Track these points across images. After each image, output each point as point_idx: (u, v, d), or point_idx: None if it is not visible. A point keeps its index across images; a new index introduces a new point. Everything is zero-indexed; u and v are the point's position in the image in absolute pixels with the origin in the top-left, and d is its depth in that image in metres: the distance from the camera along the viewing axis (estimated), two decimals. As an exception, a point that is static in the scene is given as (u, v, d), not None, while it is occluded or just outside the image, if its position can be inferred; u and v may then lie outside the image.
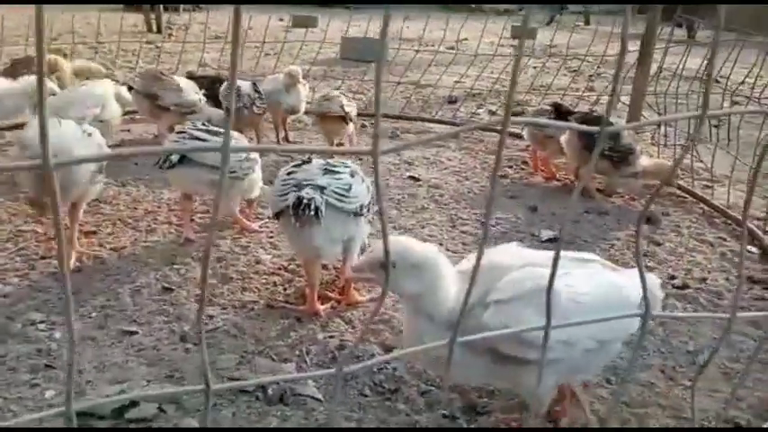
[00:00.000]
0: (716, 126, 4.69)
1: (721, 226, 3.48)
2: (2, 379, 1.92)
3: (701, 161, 4.13)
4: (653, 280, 1.75)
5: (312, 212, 2.13)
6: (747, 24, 4.64)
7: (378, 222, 2.39)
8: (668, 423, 1.93)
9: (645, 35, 4.58)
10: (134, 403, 1.79)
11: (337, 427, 1.82)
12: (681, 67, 4.24)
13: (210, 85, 4.41)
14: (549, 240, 3.13)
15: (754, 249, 3.18)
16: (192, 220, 3.03)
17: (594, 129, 0.80)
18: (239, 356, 2.11)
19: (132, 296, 2.43)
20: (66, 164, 0.63)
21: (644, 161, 3.72)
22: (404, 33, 7.86)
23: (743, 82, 4.30)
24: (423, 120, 5.34)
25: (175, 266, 2.65)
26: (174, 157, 2.70)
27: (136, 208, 3.24)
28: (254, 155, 2.95)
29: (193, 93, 4.19)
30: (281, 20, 10.37)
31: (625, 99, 4.93)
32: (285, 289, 2.56)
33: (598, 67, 7.07)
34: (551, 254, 1.77)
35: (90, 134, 2.53)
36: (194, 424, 1.77)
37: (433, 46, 6.90)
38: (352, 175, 2.33)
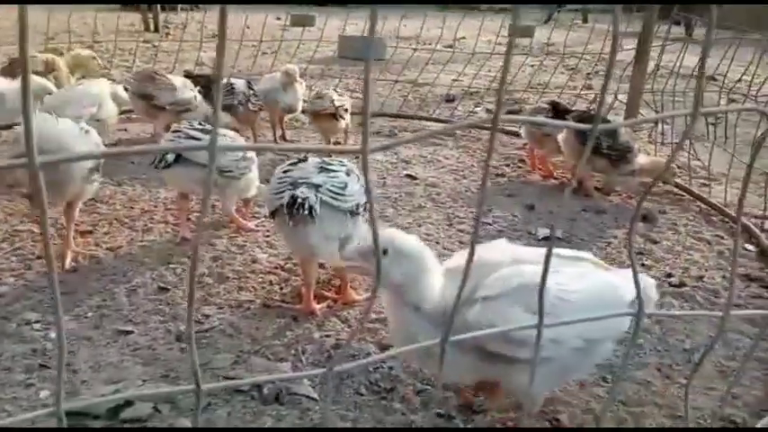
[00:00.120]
0: (713, 124, 4.69)
1: (718, 224, 3.48)
2: (-4, 379, 1.92)
3: (699, 159, 4.13)
4: (648, 281, 1.75)
5: (306, 211, 2.12)
6: (744, 22, 4.64)
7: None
8: (664, 422, 1.93)
9: (642, 33, 4.58)
10: (129, 403, 1.78)
11: (333, 427, 1.82)
12: (678, 64, 4.23)
13: (207, 84, 4.40)
14: (546, 239, 3.12)
15: (751, 247, 3.18)
16: (189, 219, 3.02)
17: (587, 126, 0.79)
18: (235, 356, 2.10)
19: (128, 296, 2.42)
20: (52, 162, 0.63)
21: (641, 159, 3.73)
22: (401, 32, 7.85)
23: (739, 80, 4.30)
24: (420, 118, 5.34)
25: (171, 266, 2.65)
26: (170, 157, 2.69)
27: (132, 207, 3.23)
28: (251, 154, 2.95)
29: (188, 91, 4.19)
30: (279, 18, 10.35)
31: (622, 97, 4.93)
32: (281, 288, 2.55)
33: (595, 65, 7.07)
34: (542, 251, 1.78)
35: (87, 132, 2.53)
36: (189, 424, 1.77)
37: (430, 44, 6.90)
38: (348, 174, 2.33)
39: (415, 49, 6.02)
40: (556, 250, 1.75)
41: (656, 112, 4.77)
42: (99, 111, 3.60)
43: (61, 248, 2.64)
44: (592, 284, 1.63)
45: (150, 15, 9.37)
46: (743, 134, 4.22)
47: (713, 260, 3.03)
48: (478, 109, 5.72)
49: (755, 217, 3.48)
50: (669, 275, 2.84)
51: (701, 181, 4.03)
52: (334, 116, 4.03)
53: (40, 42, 5.78)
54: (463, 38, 7.99)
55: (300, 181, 2.23)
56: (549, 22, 11.62)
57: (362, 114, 0.59)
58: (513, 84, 6.12)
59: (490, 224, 3.30)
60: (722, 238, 3.29)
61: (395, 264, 1.62)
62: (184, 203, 2.97)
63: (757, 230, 3.29)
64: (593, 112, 4.06)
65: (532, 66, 6.86)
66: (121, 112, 4.10)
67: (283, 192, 2.21)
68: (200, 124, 2.92)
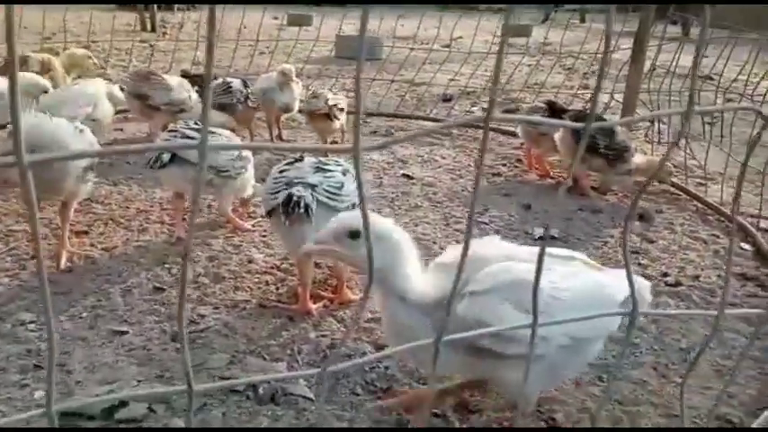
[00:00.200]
0: (710, 123, 4.69)
1: (714, 223, 3.49)
2: (-9, 380, 1.91)
3: (695, 158, 4.14)
4: (643, 282, 1.74)
5: (302, 210, 2.12)
6: (740, 22, 4.64)
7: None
8: (660, 421, 1.93)
9: (638, 33, 4.58)
10: (123, 403, 1.77)
11: (329, 428, 1.82)
12: (674, 64, 4.24)
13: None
14: (543, 238, 3.12)
15: (747, 246, 3.18)
16: (184, 219, 3.01)
17: (580, 125, 0.79)
18: (230, 356, 2.09)
19: (123, 296, 2.41)
20: (41, 160, 0.62)
21: (636, 158, 3.73)
22: (398, 31, 7.85)
23: (735, 79, 4.31)
24: (417, 118, 5.34)
25: (167, 266, 2.64)
26: (166, 157, 2.69)
27: (128, 207, 3.22)
28: (247, 153, 2.94)
29: (184, 91, 4.18)
30: (276, 18, 10.35)
31: (619, 97, 4.93)
32: (278, 288, 2.55)
33: (592, 64, 7.07)
34: (534, 249, 1.78)
35: (81, 131, 2.53)
36: (183, 424, 1.76)
37: (427, 44, 6.90)
38: (344, 174, 2.32)
39: (411, 49, 6.01)
40: (549, 249, 1.75)
41: (653, 111, 4.77)
42: (95, 110, 3.59)
43: (56, 248, 2.64)
44: (583, 283, 1.63)
45: (147, 15, 9.36)
46: (739, 133, 4.22)
47: (709, 259, 3.03)
48: (475, 108, 5.72)
49: (752, 216, 3.48)
50: (665, 275, 2.84)
51: (698, 180, 4.04)
52: (329, 116, 4.03)
53: (36, 42, 5.77)
54: (460, 37, 7.99)
55: (296, 181, 2.23)
56: (547, 21, 11.63)
57: (355, 113, 0.58)
58: (510, 83, 6.12)
59: (486, 223, 3.30)
60: (718, 237, 3.30)
61: (355, 251, 1.59)
62: (180, 203, 2.96)
63: (753, 229, 3.29)
64: (589, 112, 4.06)
65: (529, 65, 6.86)
66: (117, 112, 4.09)
67: (279, 191, 2.21)
68: (195, 124, 2.92)
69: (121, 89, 4.03)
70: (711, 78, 4.92)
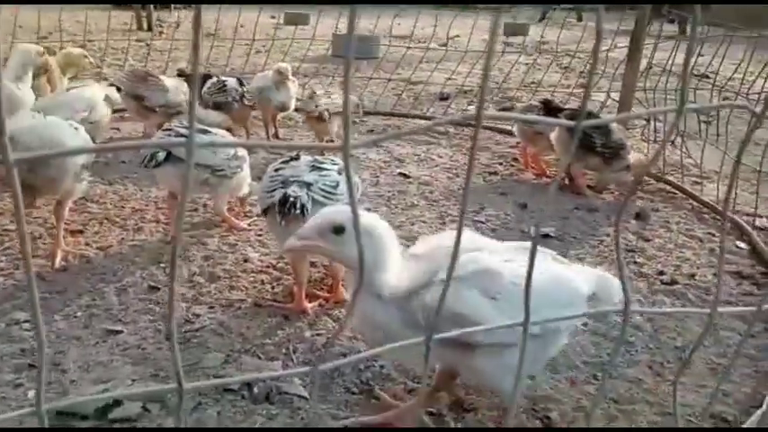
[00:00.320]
0: (706, 122, 4.70)
1: (710, 221, 3.49)
2: (-16, 379, 1.91)
3: (691, 157, 4.14)
4: (613, 280, 1.76)
5: (298, 210, 2.12)
6: (734, 20, 4.65)
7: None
8: (656, 419, 1.93)
9: (634, 31, 4.58)
10: (118, 403, 1.77)
11: (324, 427, 1.81)
12: (670, 62, 4.24)
13: (201, 83, 4.40)
14: (541, 237, 3.12)
15: (743, 245, 3.18)
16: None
17: (571, 123, 0.79)
18: (225, 355, 2.09)
19: (118, 295, 2.41)
20: (28, 159, 0.62)
21: (632, 156, 3.75)
22: (394, 30, 7.85)
23: (731, 77, 4.31)
24: (414, 117, 5.33)
25: (162, 265, 2.63)
26: (161, 156, 2.68)
27: (123, 206, 3.22)
28: (243, 152, 2.94)
29: (181, 94, 4.17)
30: (273, 17, 10.33)
31: (615, 95, 4.93)
32: (273, 287, 2.54)
33: (589, 63, 7.07)
34: (507, 244, 1.78)
35: (76, 128, 2.56)
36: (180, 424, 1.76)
37: (424, 42, 6.89)
38: (340, 173, 2.32)
39: (408, 48, 6.01)
40: (519, 243, 1.77)
41: (648, 109, 4.77)
42: (91, 113, 3.58)
43: (51, 248, 2.63)
44: (549, 275, 1.63)
45: (143, 14, 9.34)
46: (735, 132, 4.23)
47: (705, 258, 3.04)
48: (472, 107, 5.72)
49: (747, 215, 3.49)
50: (661, 273, 2.84)
51: (694, 179, 4.04)
52: (322, 118, 4.03)
53: (31, 41, 5.75)
54: (457, 36, 7.99)
55: (292, 179, 2.23)
56: (543, 20, 11.63)
57: (343, 111, 0.58)
58: (507, 82, 6.12)
59: (483, 222, 3.30)
60: (714, 235, 3.30)
61: (354, 242, 1.57)
62: (174, 203, 2.95)
63: (749, 228, 3.30)
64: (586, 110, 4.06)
65: (526, 64, 6.86)
66: (114, 111, 4.08)
67: (275, 190, 2.20)
68: (190, 122, 2.91)
69: (118, 89, 4.01)
70: (707, 77, 4.93)
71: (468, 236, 1.75)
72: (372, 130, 4.91)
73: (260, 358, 2.09)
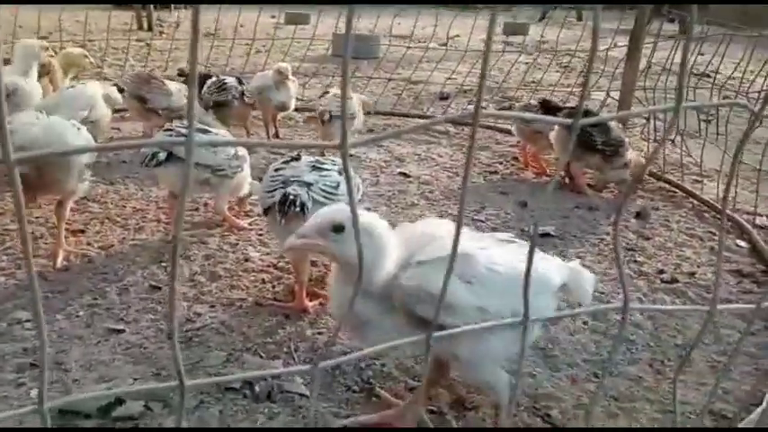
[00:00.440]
0: (706, 121, 4.70)
1: (710, 220, 3.49)
2: (-13, 378, 1.91)
3: (691, 156, 4.14)
4: (588, 274, 1.79)
5: (298, 209, 2.12)
6: (733, 18, 4.65)
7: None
8: (656, 417, 1.94)
9: (634, 30, 4.59)
10: (120, 401, 1.78)
11: (324, 427, 1.82)
12: (670, 61, 4.24)
13: (201, 83, 4.40)
14: (540, 236, 3.13)
15: (743, 243, 3.19)
16: (181, 217, 3.01)
17: (568, 121, 0.79)
18: (227, 354, 2.10)
19: (120, 294, 2.42)
20: (28, 159, 0.62)
21: (629, 153, 3.76)
22: (394, 30, 7.85)
23: (731, 76, 4.31)
24: (414, 116, 5.34)
25: (163, 264, 2.64)
26: (162, 155, 2.69)
27: (124, 206, 3.22)
28: (243, 152, 2.94)
29: (183, 98, 4.17)
30: (273, 17, 10.33)
31: (614, 94, 4.94)
32: (274, 286, 2.55)
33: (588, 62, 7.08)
34: (485, 235, 1.80)
35: (79, 128, 2.58)
36: (182, 423, 1.76)
37: (424, 42, 6.89)
38: (341, 173, 2.33)
39: (408, 47, 6.01)
40: (496, 235, 1.79)
41: (647, 108, 4.78)
42: (92, 113, 3.59)
43: (53, 247, 2.64)
44: (519, 263, 1.63)
45: (143, 14, 9.34)
46: (735, 131, 4.23)
47: (705, 256, 3.04)
48: (472, 106, 5.71)
49: (747, 213, 3.49)
50: (661, 272, 2.85)
51: (694, 178, 4.05)
52: (322, 121, 4.02)
53: None
54: (457, 36, 7.99)
55: (292, 179, 2.23)
56: (543, 19, 11.63)
57: (341, 111, 0.59)
58: (507, 81, 6.12)
59: (483, 221, 3.30)
60: (714, 234, 3.30)
61: (353, 241, 1.56)
62: (176, 202, 2.96)
63: (749, 226, 3.30)
64: (585, 109, 4.07)
65: (526, 63, 6.86)
66: (114, 111, 4.08)
67: (276, 189, 2.21)
68: (192, 123, 2.92)
69: (121, 90, 4.01)
70: (708, 76, 4.93)
71: (446, 224, 1.77)
72: (372, 130, 4.91)
73: (261, 357, 2.09)
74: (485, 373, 1.69)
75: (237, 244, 2.87)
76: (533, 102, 4.19)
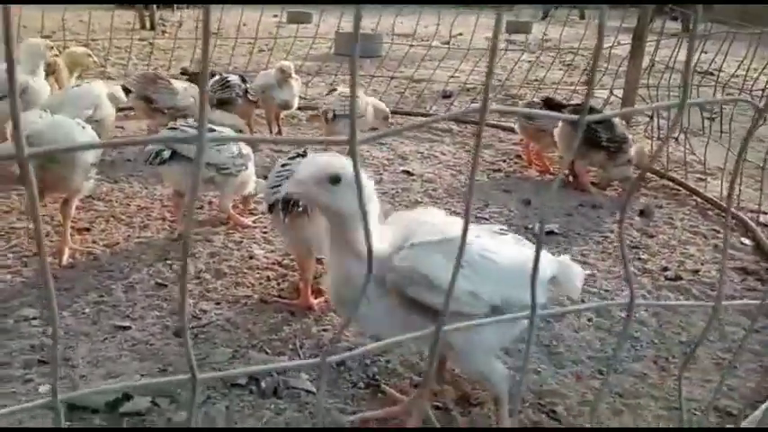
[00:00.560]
0: (710, 119, 4.70)
1: (714, 218, 3.49)
2: (-5, 375, 1.92)
3: (694, 153, 4.14)
4: (577, 268, 1.80)
5: (301, 208, 2.13)
6: (733, 17, 4.65)
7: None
8: (661, 414, 1.94)
9: (637, 28, 4.59)
10: (127, 397, 1.79)
11: (330, 427, 1.82)
12: (673, 59, 4.24)
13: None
14: (539, 232, 3.13)
15: (747, 241, 3.19)
16: (185, 216, 3.02)
17: (575, 117, 0.80)
18: (233, 351, 2.11)
19: (125, 292, 2.43)
20: (40, 154, 0.63)
21: (633, 150, 3.77)
22: (397, 28, 7.85)
23: (734, 74, 4.31)
24: (417, 114, 5.34)
25: (168, 262, 2.65)
26: (166, 153, 2.70)
27: (129, 204, 3.23)
28: (247, 151, 2.95)
29: (189, 97, 4.18)
30: (276, 16, 10.34)
31: (618, 92, 4.93)
32: (279, 284, 2.56)
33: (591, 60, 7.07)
34: (481, 226, 1.80)
35: (84, 127, 2.60)
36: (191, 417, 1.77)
37: (426, 40, 6.89)
38: (346, 170, 2.33)
39: (411, 46, 6.01)
40: (490, 227, 1.80)
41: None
42: (96, 112, 3.60)
43: (58, 245, 2.65)
44: (515, 253, 1.66)
45: (146, 13, 9.36)
46: (739, 129, 4.22)
47: (709, 254, 3.04)
48: (474, 105, 5.72)
49: (752, 211, 3.49)
50: (665, 269, 2.85)
51: (698, 175, 4.04)
52: (326, 119, 4.03)
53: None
54: (460, 34, 7.99)
55: (297, 175, 2.24)
56: (546, 18, 11.62)
57: (350, 107, 0.59)
58: (510, 79, 6.12)
59: (486, 219, 3.31)
60: (718, 231, 3.30)
61: (348, 193, 1.51)
62: (179, 201, 2.97)
63: (753, 224, 3.30)
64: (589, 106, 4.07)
65: (529, 62, 6.86)
66: (119, 110, 4.10)
67: (280, 185, 2.21)
68: (195, 122, 2.94)
69: (128, 91, 4.02)
70: (711, 74, 4.92)
71: (439, 213, 1.79)
72: (375, 128, 4.91)
73: (267, 354, 2.10)
74: (480, 364, 1.70)
75: (242, 242, 2.88)
76: (536, 100, 4.19)
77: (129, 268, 2.60)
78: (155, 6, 9.43)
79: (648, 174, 3.90)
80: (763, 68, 4.34)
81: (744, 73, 4.21)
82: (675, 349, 2.27)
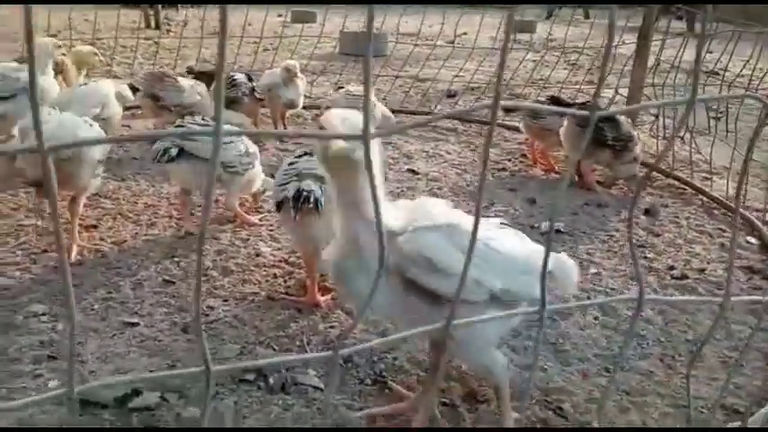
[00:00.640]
0: (715, 118, 4.70)
1: (720, 217, 3.49)
2: (5, 370, 1.94)
3: (700, 153, 4.14)
4: (570, 263, 1.80)
5: (312, 204, 2.14)
6: (737, 16, 4.64)
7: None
8: (667, 411, 1.95)
9: (642, 28, 4.58)
10: (137, 392, 1.80)
11: (340, 427, 1.83)
12: (678, 59, 4.24)
13: (210, 81, 4.43)
14: (548, 232, 3.13)
15: (753, 240, 3.19)
16: (192, 213, 3.03)
17: (584, 112, 0.80)
18: (241, 347, 2.12)
19: (134, 288, 2.44)
20: (60, 148, 0.64)
21: (638, 148, 3.77)
22: (402, 27, 7.86)
23: (740, 74, 4.31)
24: (422, 113, 5.35)
25: (176, 259, 2.66)
26: (174, 151, 2.71)
27: (136, 202, 3.25)
28: (254, 149, 2.96)
29: (196, 94, 4.19)
30: (281, 15, 10.37)
31: (623, 91, 4.93)
32: (286, 281, 2.57)
33: (596, 60, 7.06)
34: (484, 220, 1.82)
35: (91, 125, 2.61)
36: (196, 413, 1.79)
37: (431, 40, 6.90)
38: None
39: (416, 45, 6.02)
40: (490, 220, 1.82)
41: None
42: (103, 110, 3.62)
43: (66, 243, 2.67)
44: (520, 246, 1.70)
45: (151, 12, 9.39)
46: (745, 128, 4.22)
47: (715, 253, 3.04)
48: (478, 104, 5.72)
49: (757, 210, 3.49)
50: (671, 268, 2.85)
51: (703, 175, 4.04)
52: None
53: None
54: (464, 33, 7.99)
55: (306, 172, 2.25)
56: (551, 17, 11.61)
57: (364, 103, 0.60)
58: (515, 79, 6.13)
59: (492, 218, 3.31)
60: (724, 230, 3.30)
61: (357, 149, 1.49)
62: (186, 198, 2.98)
63: (759, 223, 3.30)
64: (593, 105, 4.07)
65: (534, 61, 6.86)
66: (126, 109, 4.11)
67: (289, 183, 2.23)
68: (203, 119, 2.95)
69: (135, 90, 4.04)
70: (717, 73, 4.92)
71: (442, 203, 1.79)
72: (380, 127, 4.92)
73: (274, 350, 2.11)
74: (480, 355, 1.70)
75: (249, 239, 2.89)
76: (542, 99, 4.19)
77: (137, 265, 2.61)
78: (159, 6, 9.46)
79: (654, 173, 3.90)
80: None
81: (749, 72, 4.21)
82: (681, 347, 2.27)
